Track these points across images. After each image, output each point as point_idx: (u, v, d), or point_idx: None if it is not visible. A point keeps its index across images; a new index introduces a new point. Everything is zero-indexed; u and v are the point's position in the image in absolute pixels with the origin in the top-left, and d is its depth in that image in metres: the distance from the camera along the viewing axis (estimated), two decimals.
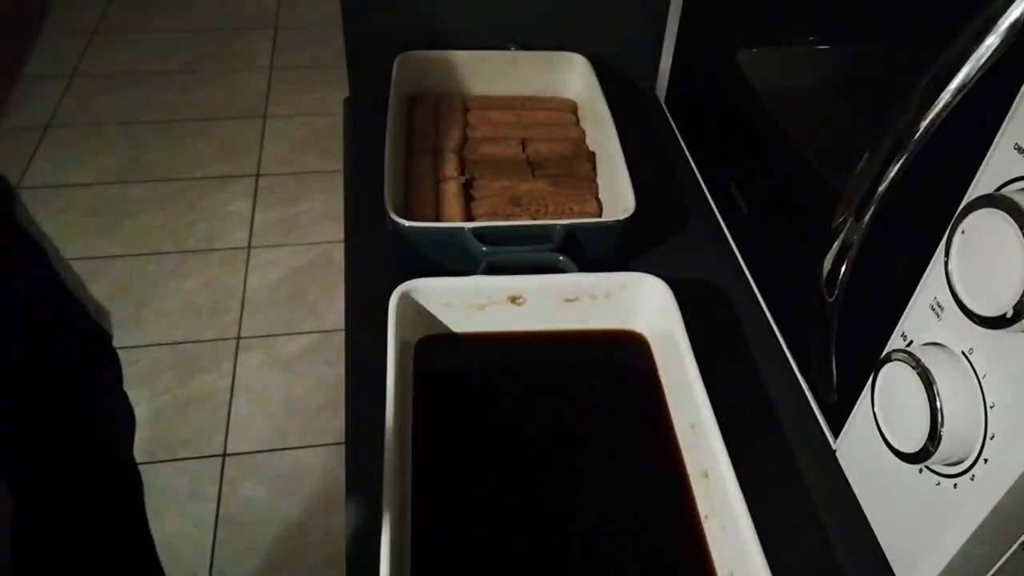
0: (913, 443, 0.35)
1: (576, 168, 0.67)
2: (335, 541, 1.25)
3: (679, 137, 0.73)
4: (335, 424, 1.41)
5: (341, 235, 0.66)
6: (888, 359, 0.37)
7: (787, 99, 0.55)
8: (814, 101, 0.52)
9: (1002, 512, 0.33)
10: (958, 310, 0.32)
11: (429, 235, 0.57)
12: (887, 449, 0.37)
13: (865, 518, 0.42)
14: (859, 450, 0.43)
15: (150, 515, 0.66)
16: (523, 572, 0.43)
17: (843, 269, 0.41)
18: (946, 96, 0.32)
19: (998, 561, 0.35)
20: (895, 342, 0.39)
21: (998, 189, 0.31)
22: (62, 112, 2.04)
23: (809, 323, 0.47)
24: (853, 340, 0.43)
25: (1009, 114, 0.31)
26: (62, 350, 0.49)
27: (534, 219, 0.61)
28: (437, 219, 0.61)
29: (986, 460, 0.33)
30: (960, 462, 0.34)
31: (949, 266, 0.33)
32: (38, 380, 0.47)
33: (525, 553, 0.43)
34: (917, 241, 0.37)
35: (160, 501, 1.27)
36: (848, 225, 0.39)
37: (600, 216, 0.62)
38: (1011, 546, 0.34)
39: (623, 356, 0.53)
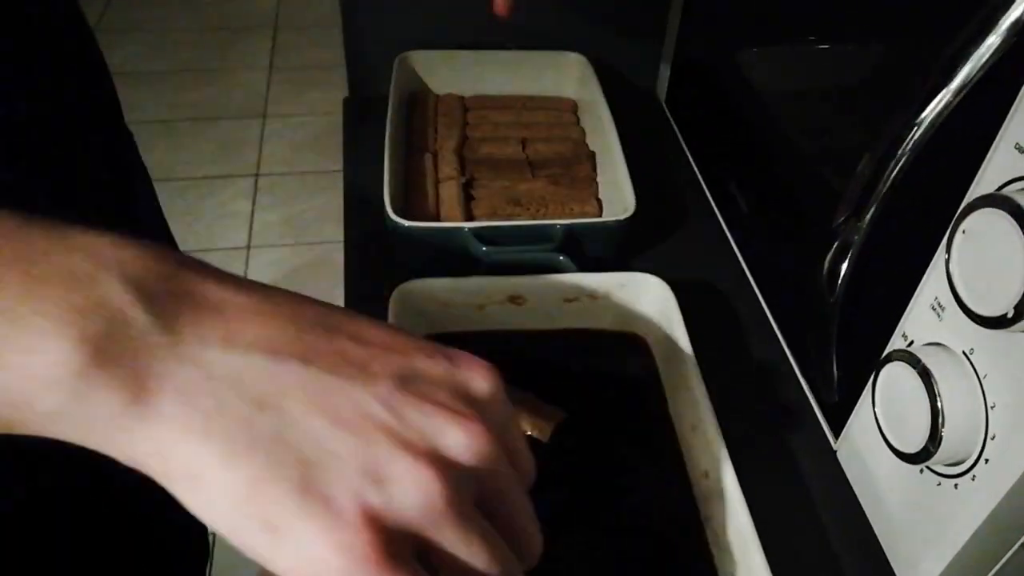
0: (914, 443, 0.35)
1: (576, 168, 0.67)
2: None
3: (679, 137, 0.73)
4: None
5: (341, 235, 0.65)
6: (889, 359, 0.37)
7: (787, 99, 0.55)
8: (814, 101, 0.52)
9: (1003, 512, 0.32)
10: (959, 310, 0.32)
11: (429, 235, 0.57)
12: (888, 449, 0.37)
13: (865, 518, 0.42)
14: (859, 450, 0.43)
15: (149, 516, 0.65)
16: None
17: (844, 269, 0.41)
18: (947, 96, 0.32)
19: (999, 561, 0.35)
20: (896, 342, 0.39)
21: (999, 189, 0.31)
22: None
23: (809, 323, 0.47)
24: (854, 340, 0.43)
25: (1010, 114, 0.31)
26: None
27: (534, 219, 0.61)
28: (437, 219, 0.61)
29: (987, 460, 0.33)
30: (961, 462, 0.34)
31: (950, 266, 0.33)
32: None
33: None
34: (918, 241, 0.37)
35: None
36: (849, 225, 0.39)
37: (600, 216, 0.62)
38: (1012, 546, 0.34)
39: (623, 356, 0.53)
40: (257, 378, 0.23)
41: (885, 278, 0.41)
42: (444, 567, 0.24)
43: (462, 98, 0.74)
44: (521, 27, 0.78)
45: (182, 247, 1.65)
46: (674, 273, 0.53)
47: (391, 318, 0.49)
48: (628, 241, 0.60)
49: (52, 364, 0.20)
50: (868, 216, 0.38)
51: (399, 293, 0.50)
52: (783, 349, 0.54)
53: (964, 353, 0.34)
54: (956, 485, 0.35)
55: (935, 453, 0.34)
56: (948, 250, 0.33)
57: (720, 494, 0.43)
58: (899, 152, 0.35)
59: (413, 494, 0.23)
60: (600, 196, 0.65)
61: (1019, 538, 0.34)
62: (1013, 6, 0.30)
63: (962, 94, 0.32)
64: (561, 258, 0.55)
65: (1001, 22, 0.30)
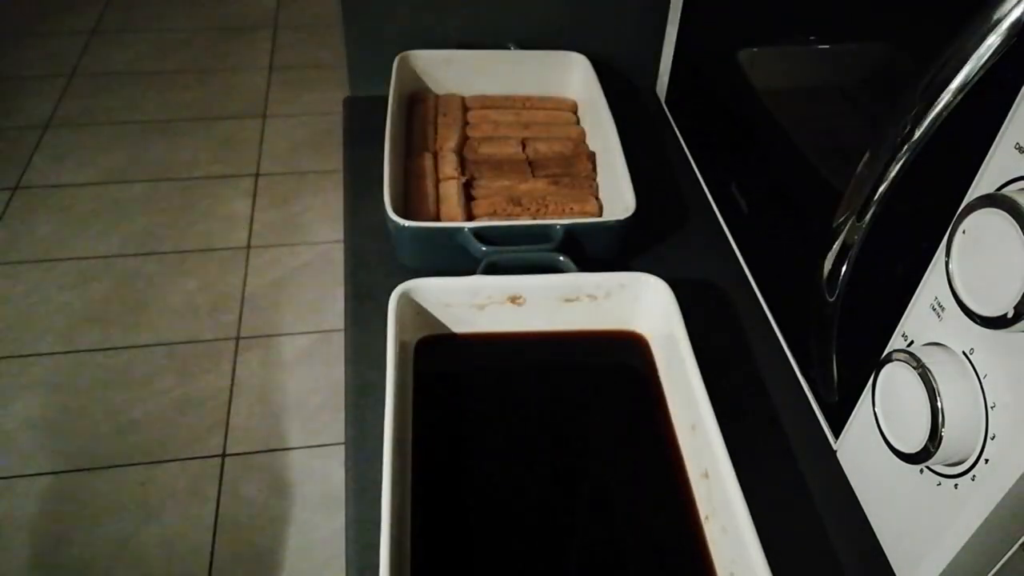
0: (914, 443, 0.35)
1: (576, 168, 0.67)
2: (335, 541, 1.25)
3: (679, 137, 0.73)
4: (335, 424, 1.41)
5: (341, 235, 0.66)
6: (889, 359, 0.37)
7: (787, 99, 0.55)
8: (814, 101, 0.52)
9: (1003, 512, 0.32)
10: (959, 310, 0.32)
11: (429, 235, 0.57)
12: (888, 449, 0.37)
13: (865, 518, 0.42)
14: (859, 450, 0.43)
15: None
16: (523, 573, 0.43)
17: (844, 269, 0.41)
18: (947, 96, 0.32)
19: (999, 561, 0.35)
20: (896, 342, 0.39)
21: (999, 189, 0.31)
22: (61, 112, 2.04)
23: (809, 323, 0.47)
24: (854, 340, 0.43)
25: (1010, 114, 0.31)
26: None
27: (535, 219, 0.61)
28: (437, 219, 0.61)
29: (987, 460, 0.33)
30: (961, 462, 0.34)
31: (950, 266, 0.33)
32: None
33: (525, 554, 0.43)
34: (918, 241, 0.37)
35: (160, 501, 1.27)
36: (849, 225, 0.39)
37: (600, 216, 0.62)
38: (1012, 546, 0.34)
39: (623, 356, 0.53)
40: None
41: (885, 278, 0.40)
42: None
43: (462, 98, 0.74)
44: (521, 27, 0.78)
45: (183, 247, 1.65)
46: (674, 273, 0.53)
47: (391, 318, 0.49)
48: (628, 241, 0.60)
49: None
50: (868, 216, 0.38)
51: (399, 293, 0.50)
52: (783, 349, 0.54)
53: (964, 353, 0.34)
54: (956, 485, 0.35)
55: (935, 453, 0.34)
56: (948, 250, 0.33)
57: (720, 494, 0.43)
58: (899, 152, 0.35)
59: None
60: (600, 196, 0.65)
61: (1019, 538, 0.34)
62: (1013, 6, 0.30)
63: (962, 94, 0.32)
64: (561, 258, 0.55)
65: (1001, 22, 0.30)
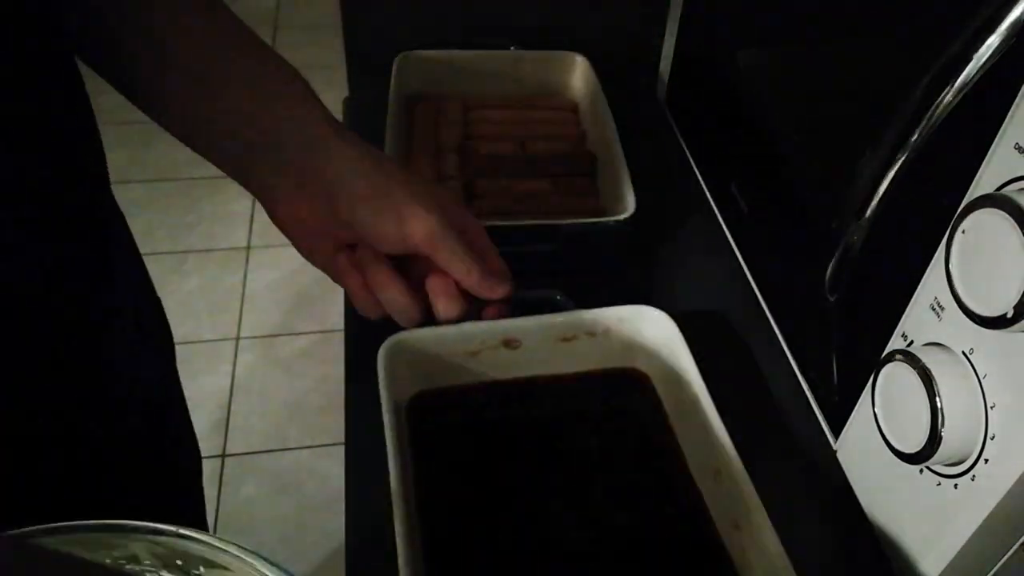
0: (913, 443, 0.35)
1: (577, 168, 0.67)
2: (335, 541, 1.26)
3: (679, 137, 0.73)
4: (335, 424, 1.41)
5: None
6: (889, 359, 0.37)
7: (787, 99, 0.55)
8: (814, 101, 0.52)
9: (1003, 512, 0.33)
10: (959, 310, 0.32)
11: None
12: (887, 449, 0.37)
13: (865, 518, 0.42)
14: (859, 450, 0.43)
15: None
16: None
17: (844, 269, 0.41)
18: (947, 96, 0.32)
19: (999, 561, 0.35)
20: (895, 342, 0.39)
21: (999, 189, 0.31)
22: None
23: (809, 323, 0.47)
24: (854, 340, 0.43)
25: (1010, 114, 0.31)
26: None
27: (535, 219, 0.61)
28: None
29: (987, 460, 0.33)
30: (961, 462, 0.34)
31: (950, 266, 0.33)
32: None
33: None
34: (918, 241, 0.37)
35: None
36: (849, 225, 0.39)
37: (601, 216, 0.62)
38: (1012, 546, 0.34)
39: (626, 395, 0.50)
40: None
41: (885, 278, 0.41)
42: None
43: (463, 98, 0.74)
44: (521, 27, 0.78)
45: (183, 247, 1.63)
46: (673, 273, 0.53)
47: (381, 375, 0.45)
48: (628, 241, 0.60)
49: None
50: (868, 216, 0.38)
51: (387, 349, 0.46)
52: (783, 349, 0.54)
53: (964, 353, 0.34)
54: (956, 485, 0.35)
55: (935, 453, 0.34)
56: (948, 250, 0.33)
57: (755, 547, 0.40)
58: (899, 152, 0.35)
59: None
60: (601, 196, 0.65)
61: (1019, 538, 0.34)
62: (1013, 6, 0.30)
63: (962, 94, 0.32)
64: (558, 297, 0.52)
65: (1001, 22, 0.31)
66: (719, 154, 0.65)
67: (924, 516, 0.37)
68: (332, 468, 1.35)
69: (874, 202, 0.37)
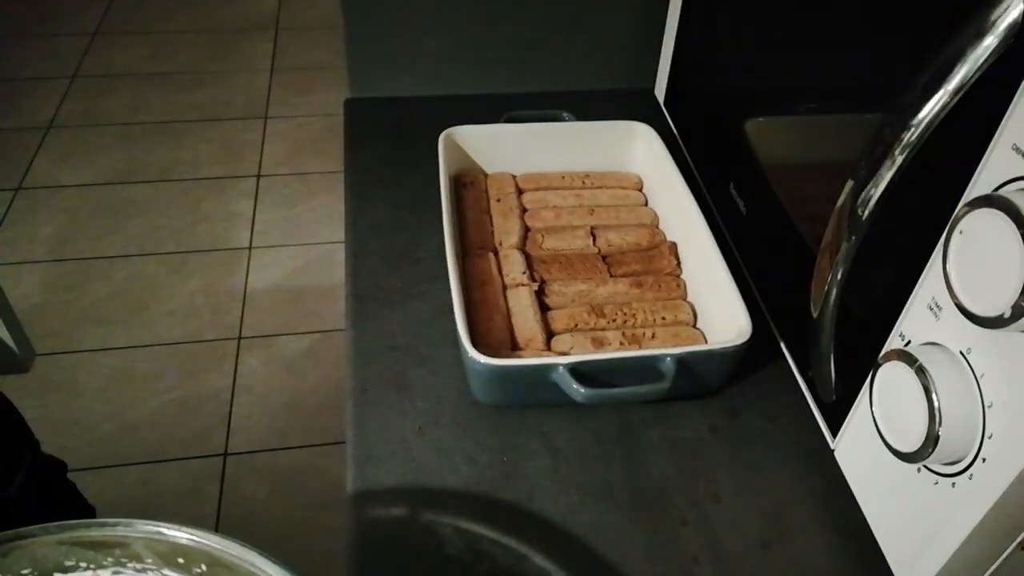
0: (911, 442, 0.35)
1: (657, 262, 0.60)
2: (335, 541, 1.26)
3: (678, 138, 0.73)
4: (335, 424, 1.41)
5: (341, 235, 0.66)
6: (886, 359, 0.37)
7: (786, 99, 0.55)
8: (813, 101, 0.52)
9: (1000, 511, 0.33)
10: (956, 310, 0.32)
11: (517, 374, 0.49)
12: (886, 449, 0.37)
13: (863, 517, 0.42)
14: (858, 450, 0.43)
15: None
16: None
17: (842, 269, 0.41)
18: (944, 96, 0.32)
19: (996, 560, 0.35)
20: (893, 342, 0.39)
21: (996, 189, 0.31)
22: (63, 113, 2.04)
23: (808, 323, 0.47)
24: (852, 340, 0.43)
25: (1007, 114, 0.31)
26: None
27: (621, 330, 0.55)
28: (512, 336, 0.54)
29: (984, 459, 0.33)
30: (958, 461, 0.34)
31: (947, 266, 0.33)
32: None
33: None
34: (915, 241, 0.37)
35: (160, 501, 1.27)
36: (847, 225, 0.39)
37: (695, 325, 0.56)
38: (1009, 545, 0.34)
39: None
40: None
41: (883, 278, 0.41)
42: None
43: (514, 177, 0.67)
44: (522, 26, 0.78)
45: (184, 247, 1.64)
46: None
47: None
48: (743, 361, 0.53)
49: None
50: (866, 216, 0.38)
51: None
52: (781, 349, 0.54)
53: (961, 353, 0.34)
54: (954, 484, 0.35)
55: (932, 452, 0.34)
56: (945, 250, 0.33)
57: None
58: (896, 152, 0.35)
59: None
60: (690, 298, 0.58)
61: (1016, 537, 0.34)
62: (1010, 7, 0.30)
63: (959, 95, 0.32)
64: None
65: (998, 23, 0.31)
66: (718, 154, 0.65)
67: (922, 515, 0.37)
68: (332, 467, 1.35)
69: (872, 202, 0.37)
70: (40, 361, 1.47)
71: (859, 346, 0.42)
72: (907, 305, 0.38)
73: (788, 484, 0.50)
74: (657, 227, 0.63)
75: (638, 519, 0.48)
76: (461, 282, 0.54)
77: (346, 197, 0.69)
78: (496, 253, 0.59)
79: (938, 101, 0.32)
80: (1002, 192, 0.31)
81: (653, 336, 0.55)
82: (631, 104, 0.78)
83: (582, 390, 0.47)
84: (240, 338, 1.56)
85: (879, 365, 0.37)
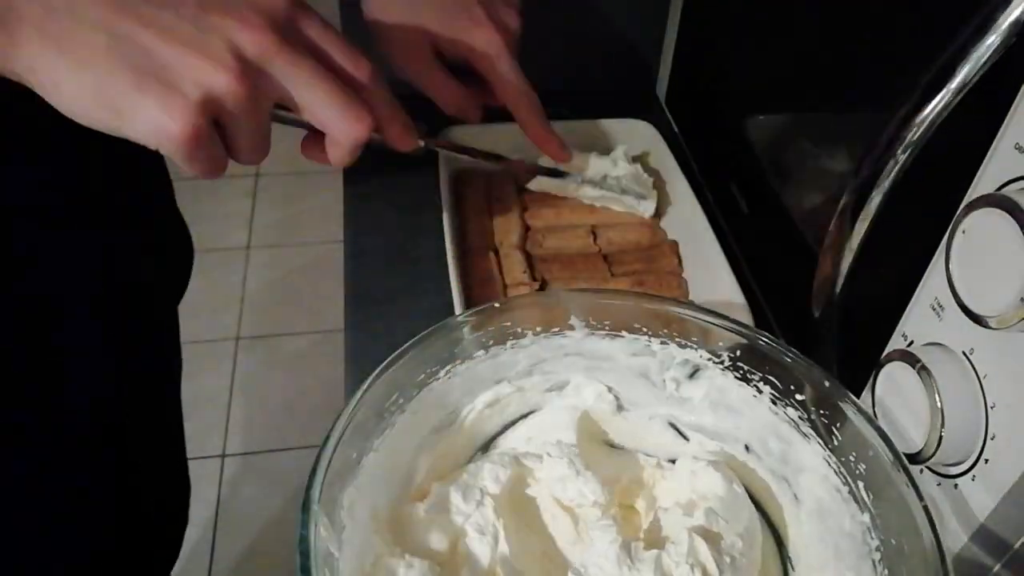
0: (914, 443, 0.35)
1: (658, 261, 0.60)
2: None
3: (679, 137, 0.73)
4: None
5: (341, 235, 0.65)
6: (889, 359, 0.37)
7: (787, 98, 0.55)
8: (814, 100, 0.52)
9: (1003, 512, 0.33)
10: (959, 310, 0.32)
11: None
12: None
13: None
14: None
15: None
16: None
17: (844, 269, 0.41)
18: (946, 95, 0.32)
19: (999, 562, 0.35)
20: (896, 342, 0.39)
21: (999, 189, 0.31)
22: None
23: (810, 323, 0.47)
24: (854, 340, 0.43)
25: (1009, 113, 0.31)
26: None
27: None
28: None
29: (987, 460, 0.33)
30: (961, 462, 0.34)
31: (950, 266, 0.33)
32: None
33: None
34: (918, 241, 0.37)
35: None
36: (848, 225, 0.39)
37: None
38: (1013, 546, 0.34)
39: None
40: (91, 8, 0.34)
41: (885, 278, 0.40)
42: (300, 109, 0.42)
43: (513, 176, 0.66)
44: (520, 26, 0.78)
45: None
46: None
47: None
48: None
49: None
50: (868, 215, 0.38)
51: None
52: None
53: (964, 353, 0.34)
54: (956, 485, 0.35)
55: (935, 453, 0.34)
56: (948, 250, 0.33)
57: None
58: (899, 151, 0.35)
59: (241, 38, 0.37)
60: (691, 297, 0.58)
61: (1020, 537, 0.34)
62: (1013, 5, 0.30)
63: (962, 93, 0.32)
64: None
65: (1001, 21, 0.30)
66: (719, 154, 0.65)
67: None
68: None
69: (874, 202, 0.37)
70: None
71: (861, 346, 0.42)
72: (910, 305, 0.37)
73: None
74: (659, 226, 0.63)
75: None
76: (461, 282, 0.54)
77: (345, 196, 0.68)
78: (496, 253, 0.59)
79: (941, 100, 0.32)
80: (1005, 191, 0.31)
81: None
82: (632, 102, 0.78)
83: None
84: (238, 338, 1.56)
85: (881, 365, 0.37)
